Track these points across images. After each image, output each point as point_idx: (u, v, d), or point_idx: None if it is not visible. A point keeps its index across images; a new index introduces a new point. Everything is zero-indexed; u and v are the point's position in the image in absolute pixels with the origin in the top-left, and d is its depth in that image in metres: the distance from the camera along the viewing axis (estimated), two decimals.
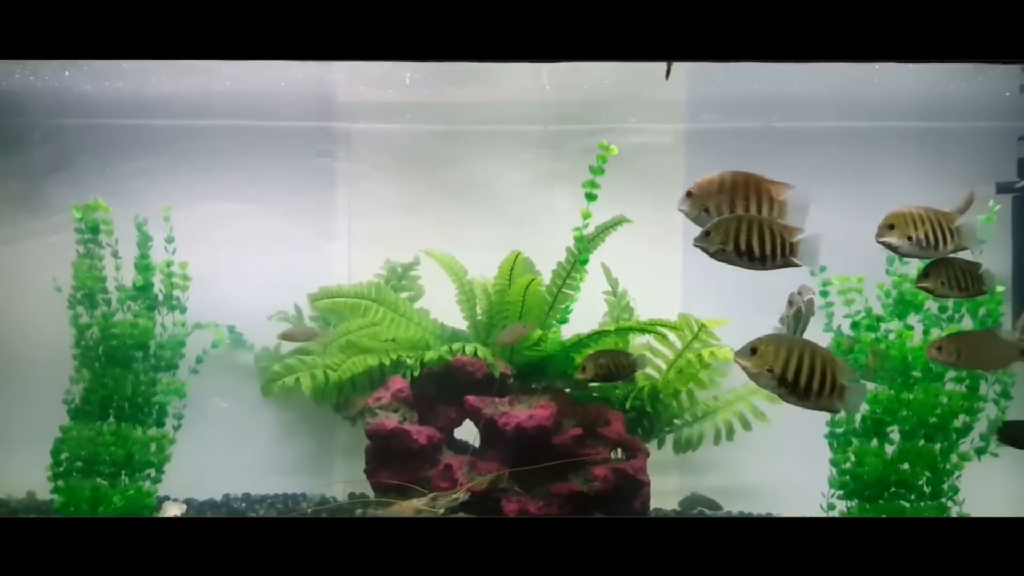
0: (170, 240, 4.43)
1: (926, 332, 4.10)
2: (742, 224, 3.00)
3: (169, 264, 4.44)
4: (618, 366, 3.93)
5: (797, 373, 2.98)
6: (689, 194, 3.07)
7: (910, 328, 4.11)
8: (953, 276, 3.33)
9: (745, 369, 3.02)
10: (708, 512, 4.58)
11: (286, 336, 4.50)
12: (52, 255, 4.50)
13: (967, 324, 4.10)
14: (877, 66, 4.18)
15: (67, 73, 4.43)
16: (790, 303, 3.72)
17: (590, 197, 4.19)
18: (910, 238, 3.23)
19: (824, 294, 4.09)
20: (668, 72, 3.58)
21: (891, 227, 3.25)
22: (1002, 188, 4.54)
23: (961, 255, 3.36)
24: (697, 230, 3.05)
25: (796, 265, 3.04)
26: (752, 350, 3.01)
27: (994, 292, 4.07)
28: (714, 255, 3.02)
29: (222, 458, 4.68)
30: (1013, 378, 4.12)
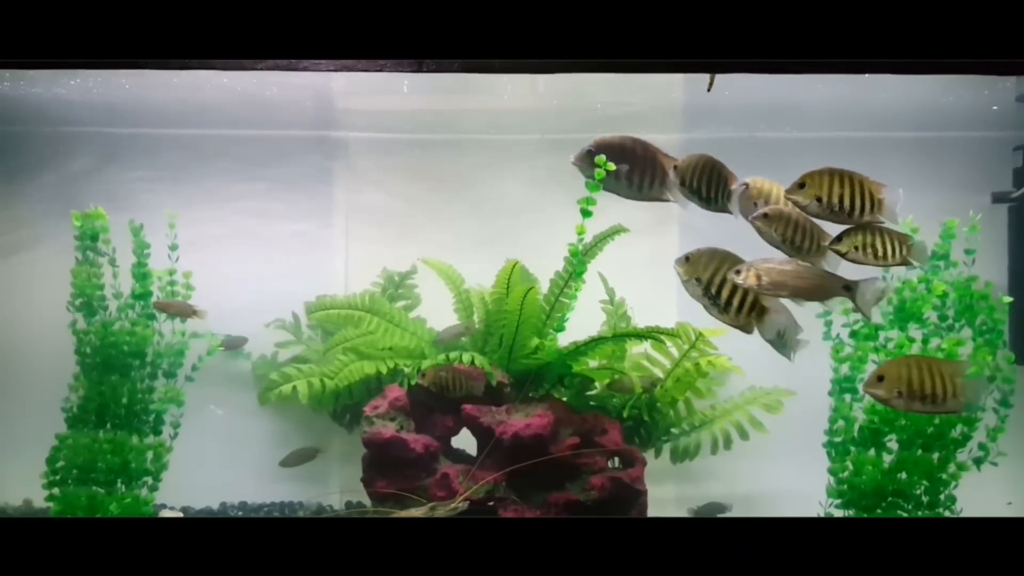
0: (173, 248, 4.44)
1: (925, 342, 4.09)
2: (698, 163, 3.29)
3: (171, 272, 4.45)
4: (456, 383, 4.01)
5: (720, 286, 3.12)
6: (589, 152, 3.26)
7: (911, 340, 4.09)
8: (870, 242, 3.08)
9: (679, 275, 3.20)
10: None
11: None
12: (51, 263, 4.52)
13: (966, 334, 4.10)
14: (870, 75, 4.18)
15: (66, 80, 4.45)
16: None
17: (585, 213, 4.05)
18: (819, 199, 3.02)
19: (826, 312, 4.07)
20: (711, 85, 3.45)
21: (801, 185, 3.06)
22: (998, 198, 4.53)
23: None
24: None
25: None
26: (686, 258, 3.19)
27: (997, 302, 4.08)
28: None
29: (219, 466, 4.67)
30: (1012, 386, 4.12)
